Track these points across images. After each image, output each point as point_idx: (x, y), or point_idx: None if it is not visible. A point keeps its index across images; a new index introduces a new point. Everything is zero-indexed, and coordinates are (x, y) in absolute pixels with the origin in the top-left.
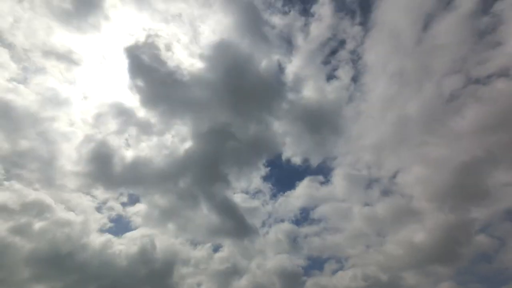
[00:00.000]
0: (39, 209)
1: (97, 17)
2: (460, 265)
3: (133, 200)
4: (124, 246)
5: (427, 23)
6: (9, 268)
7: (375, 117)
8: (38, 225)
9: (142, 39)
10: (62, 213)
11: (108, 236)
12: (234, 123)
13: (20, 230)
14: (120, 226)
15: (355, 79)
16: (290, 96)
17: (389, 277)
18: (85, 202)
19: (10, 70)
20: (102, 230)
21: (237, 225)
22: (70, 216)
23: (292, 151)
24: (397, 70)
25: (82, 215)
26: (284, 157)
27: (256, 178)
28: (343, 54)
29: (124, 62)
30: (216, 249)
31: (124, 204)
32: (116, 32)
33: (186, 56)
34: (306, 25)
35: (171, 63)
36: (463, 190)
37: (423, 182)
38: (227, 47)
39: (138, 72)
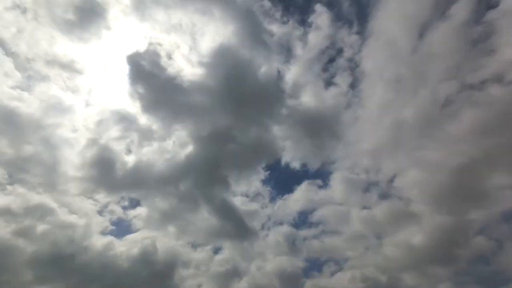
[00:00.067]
0: (42, 212)
1: (99, 27)
2: (459, 267)
3: (134, 203)
4: (125, 249)
5: (422, 32)
6: (12, 270)
7: (372, 122)
8: (41, 228)
9: (143, 47)
10: (64, 216)
11: (109, 238)
12: (234, 128)
13: (23, 233)
14: (121, 229)
15: (353, 85)
16: (289, 102)
17: (387, 279)
18: (87, 205)
19: (15, 78)
20: (103, 233)
21: (237, 227)
22: (72, 219)
23: (291, 156)
24: (393, 77)
25: (84, 218)
26: (283, 161)
27: (255, 181)
28: (341, 62)
29: (125, 70)
30: (216, 251)
31: (125, 208)
32: (117, 41)
33: (187, 63)
34: (305, 34)
35: (172, 70)
36: (460, 192)
37: (420, 185)
38: (227, 54)
39: (139, 79)
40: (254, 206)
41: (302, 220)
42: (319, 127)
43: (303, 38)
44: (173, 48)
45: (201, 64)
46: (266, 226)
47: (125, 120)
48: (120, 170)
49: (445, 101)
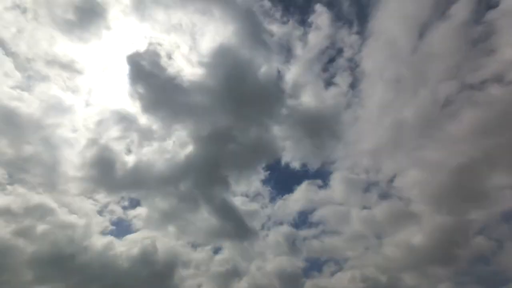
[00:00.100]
0: (42, 212)
1: (99, 27)
2: (459, 267)
3: (134, 203)
4: (125, 249)
5: (422, 32)
6: (13, 270)
7: (372, 122)
8: (41, 228)
9: (143, 47)
10: (64, 216)
11: (109, 238)
12: (234, 128)
13: (23, 233)
14: (121, 229)
15: (353, 85)
16: (290, 102)
17: (387, 279)
18: (87, 205)
19: (15, 78)
20: (103, 233)
21: (237, 227)
22: (72, 219)
23: (291, 156)
24: (393, 77)
25: (84, 218)
26: (283, 161)
27: (255, 181)
28: (341, 62)
29: (125, 70)
30: (216, 251)
31: (125, 208)
32: (117, 41)
33: (187, 63)
34: (305, 34)
35: (172, 70)
36: (460, 192)
37: (420, 185)
38: (227, 54)
39: (139, 79)
40: (254, 206)
41: (302, 220)
42: (319, 127)
43: (303, 38)
44: (173, 48)
45: (201, 64)
46: (266, 226)
47: (125, 120)
48: (120, 170)
49: (445, 101)
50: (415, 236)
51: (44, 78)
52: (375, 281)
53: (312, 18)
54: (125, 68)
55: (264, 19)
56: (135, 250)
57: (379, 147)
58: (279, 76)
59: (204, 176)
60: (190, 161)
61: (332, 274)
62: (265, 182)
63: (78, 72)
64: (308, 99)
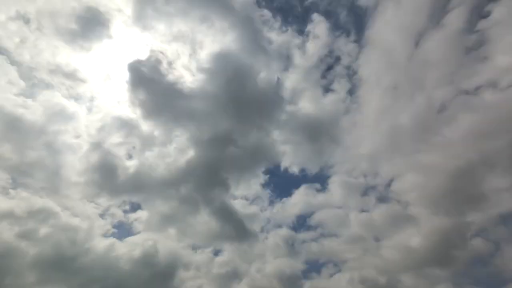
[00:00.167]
0: (45, 215)
1: (102, 37)
2: (457, 268)
3: (135, 207)
4: (126, 251)
5: (418, 40)
6: (16, 272)
7: (370, 128)
8: (44, 230)
9: (144, 56)
10: (67, 220)
11: (111, 241)
12: (235, 132)
13: (26, 236)
14: (122, 232)
15: (351, 92)
16: (289, 108)
17: (386, 280)
18: (89, 209)
19: (19, 86)
20: (105, 236)
21: (237, 230)
22: (74, 222)
23: (291, 160)
24: (390, 84)
25: (86, 221)
26: (282, 165)
27: (255, 185)
28: (339, 69)
29: (127, 78)
30: (216, 253)
31: (126, 211)
32: (119, 50)
33: (188, 71)
34: (303, 43)
35: (173, 78)
36: (457, 195)
37: (418, 188)
38: (227, 61)
39: (141, 87)
40: (253, 209)
41: (301, 223)
42: (318, 132)
43: (302, 46)
44: (174, 56)
45: (201, 70)
46: (266, 228)
47: (126, 126)
48: (122, 174)
49: (440, 106)
50: (414, 238)
51: (48, 86)
52: (373, 283)
53: (310, 28)
54: (127, 76)
55: (263, 28)
56: (136, 252)
57: (376, 151)
58: (279, 82)
59: (205, 179)
60: (191, 165)
61: (331, 275)
62: (264, 185)
63: (81, 80)
64: (307, 105)
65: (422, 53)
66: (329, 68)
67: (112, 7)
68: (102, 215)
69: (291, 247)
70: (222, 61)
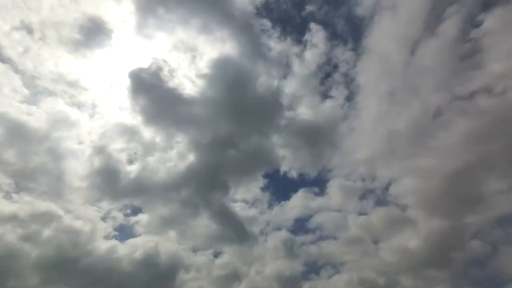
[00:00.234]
0: (48, 218)
1: (104, 46)
2: (454, 270)
3: (136, 210)
4: (127, 253)
5: (413, 48)
6: (20, 274)
7: (368, 133)
8: (47, 233)
9: (146, 65)
10: (69, 223)
11: (112, 243)
12: (235, 137)
13: (30, 238)
14: (123, 235)
15: (348, 98)
16: (288, 113)
17: (384, 281)
18: (91, 212)
19: (23, 94)
20: (107, 238)
21: (236, 232)
22: (77, 225)
23: (290, 164)
24: (387, 90)
25: (88, 224)
26: (282, 169)
27: (254, 188)
28: (337, 77)
29: (129, 86)
30: (216, 255)
31: (127, 215)
32: (122, 59)
33: (189, 77)
34: (302, 51)
35: (173, 85)
36: (455, 197)
37: (415, 192)
38: (227, 68)
39: (142, 94)
40: (253, 212)
41: (300, 226)
42: (316, 137)
43: (300, 55)
44: (175, 63)
45: (202, 77)
46: (265, 231)
47: (128, 132)
48: (123, 179)
49: (436, 111)
50: (412, 240)
51: (51, 94)
52: (372, 284)
53: (308, 37)
54: (128, 84)
55: (263, 37)
56: (137, 254)
57: (374, 155)
58: (278, 89)
59: (205, 183)
60: (191, 169)
61: (330, 277)
62: (264, 189)
63: (83, 88)
64: (306, 110)
65: (418, 61)
66: (327, 75)
67: (115, 18)
68: (103, 218)
69: (290, 249)
70: (222, 67)
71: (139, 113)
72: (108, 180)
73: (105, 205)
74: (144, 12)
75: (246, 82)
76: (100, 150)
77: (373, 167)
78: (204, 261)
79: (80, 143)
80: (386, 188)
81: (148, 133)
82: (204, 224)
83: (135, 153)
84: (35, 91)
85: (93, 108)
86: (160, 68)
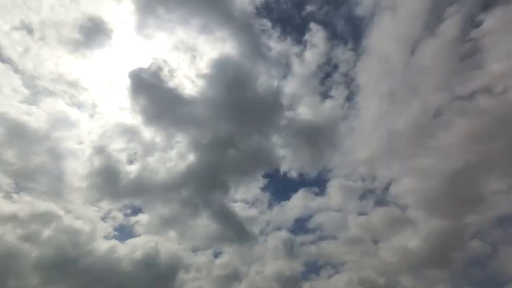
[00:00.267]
0: (48, 218)
1: (105, 46)
2: (454, 270)
3: (136, 210)
4: (127, 253)
5: (413, 48)
6: (20, 274)
7: (368, 133)
8: (47, 233)
9: (146, 65)
10: (69, 223)
11: (112, 243)
12: (235, 138)
13: (30, 238)
14: (123, 235)
15: (349, 98)
16: (288, 113)
17: (385, 281)
18: (91, 212)
19: (23, 94)
20: (107, 238)
21: (236, 232)
22: (77, 225)
23: (290, 164)
24: (387, 90)
25: (88, 224)
26: (282, 169)
27: (254, 188)
28: (337, 77)
29: (129, 86)
30: (216, 255)
31: (127, 215)
32: (121, 59)
33: (189, 77)
34: (302, 51)
35: (173, 85)
36: (455, 197)
37: (415, 192)
38: (227, 68)
39: (142, 94)
40: (253, 212)
41: (300, 226)
42: (317, 137)
43: (301, 55)
44: (175, 64)
45: (202, 77)
46: (265, 231)
47: (128, 132)
48: (123, 179)
49: (436, 111)
50: (412, 240)
51: (51, 94)
52: (372, 284)
53: (308, 37)
54: (128, 84)
55: (263, 37)
56: (137, 254)
57: (374, 156)
58: (278, 89)
59: (205, 183)
60: (191, 169)
61: (330, 277)
62: (264, 189)
63: (83, 88)
64: (306, 110)
65: (418, 61)
66: (327, 75)
67: (115, 18)
68: (103, 218)
69: (290, 249)
70: (222, 67)
71: (139, 113)
72: (108, 180)
73: (105, 205)
74: (144, 12)
75: (246, 82)
76: (100, 150)
77: (373, 167)
78: (204, 261)
79: (80, 143)
80: (386, 188)
81: (148, 133)
82: (204, 224)
83: (135, 153)
84: (35, 91)
85: (93, 108)
86: (160, 68)
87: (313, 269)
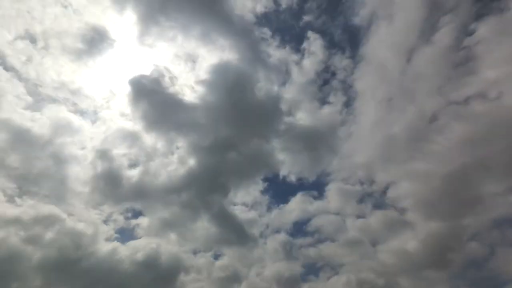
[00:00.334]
0: (50, 221)
1: (106, 55)
2: (452, 271)
3: (137, 213)
4: (129, 254)
5: (409, 56)
6: (23, 276)
7: (366, 137)
8: (50, 236)
9: (147, 72)
10: (71, 225)
11: (114, 245)
12: (235, 142)
13: (33, 241)
14: (125, 237)
15: (347, 104)
16: (287, 119)
17: (383, 283)
18: (93, 215)
19: (26, 101)
20: (108, 241)
21: (236, 235)
22: (79, 227)
23: (289, 168)
24: (384, 96)
25: (90, 227)
26: (281, 173)
27: (254, 192)
28: (335, 84)
29: (130, 92)
30: (216, 257)
31: (128, 218)
32: (123, 66)
33: (189, 83)
34: (300, 59)
35: (174, 91)
36: (452, 200)
37: (413, 195)
38: (227, 73)
39: (143, 100)
40: (252, 214)
41: (298, 229)
42: (315, 142)
43: (299, 63)
44: (176, 71)
45: (202, 83)
46: (264, 234)
47: (129, 138)
48: (124, 183)
49: (432, 116)
50: (410, 242)
51: (54, 101)
52: (371, 285)
53: (306, 45)
54: (130, 91)
55: (262, 45)
56: (138, 256)
57: (372, 160)
58: (277, 95)
59: (205, 186)
60: (192, 173)
61: (329, 279)
62: (263, 192)
63: (86, 96)
64: (305, 116)
65: (413, 68)
66: (326, 82)
67: (117, 27)
68: (105, 221)
69: (289, 252)
70: (222, 73)
71: (140, 119)
72: (109, 184)
73: (107, 208)
74: (145, 22)
75: (246, 88)
76: (102, 155)
77: (371, 171)
78: (204, 263)
79: (83, 148)
80: (384, 192)
81: (149, 138)
82: (204, 226)
83: (136, 158)
84: (39, 98)
85: (95, 114)
86: (161, 75)
87: (312, 270)
